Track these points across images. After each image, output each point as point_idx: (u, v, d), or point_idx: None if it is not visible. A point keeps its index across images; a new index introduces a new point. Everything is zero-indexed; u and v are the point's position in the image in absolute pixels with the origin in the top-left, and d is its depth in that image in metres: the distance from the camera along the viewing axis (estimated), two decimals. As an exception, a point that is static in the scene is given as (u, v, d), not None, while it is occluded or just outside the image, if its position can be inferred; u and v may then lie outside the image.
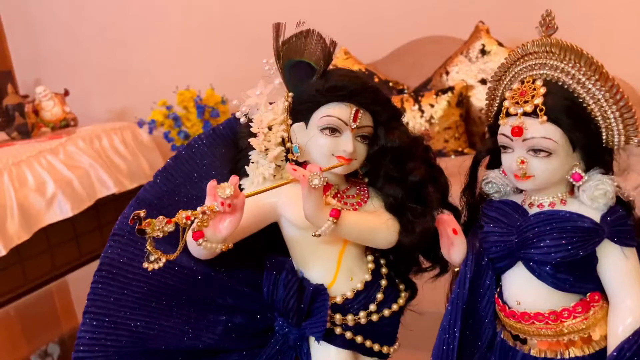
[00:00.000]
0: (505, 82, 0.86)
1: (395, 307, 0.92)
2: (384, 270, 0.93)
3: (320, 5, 3.00)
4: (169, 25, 3.43)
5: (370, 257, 0.93)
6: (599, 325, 0.79)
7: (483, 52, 2.53)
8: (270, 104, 0.92)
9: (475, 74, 2.52)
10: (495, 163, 0.88)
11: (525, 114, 0.77)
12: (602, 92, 0.75)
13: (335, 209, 0.80)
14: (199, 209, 0.76)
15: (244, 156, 0.92)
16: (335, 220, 0.80)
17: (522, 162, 0.77)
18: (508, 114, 0.79)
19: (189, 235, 0.78)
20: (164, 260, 0.76)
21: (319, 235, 0.81)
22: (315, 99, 0.86)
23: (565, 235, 0.76)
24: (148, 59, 3.51)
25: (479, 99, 2.48)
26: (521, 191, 0.87)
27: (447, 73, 2.57)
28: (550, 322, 0.79)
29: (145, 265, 0.76)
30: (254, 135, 0.89)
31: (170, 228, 0.74)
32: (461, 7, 2.81)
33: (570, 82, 0.77)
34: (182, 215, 0.75)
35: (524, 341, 0.83)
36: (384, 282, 0.92)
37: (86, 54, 3.66)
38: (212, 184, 0.76)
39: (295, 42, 0.87)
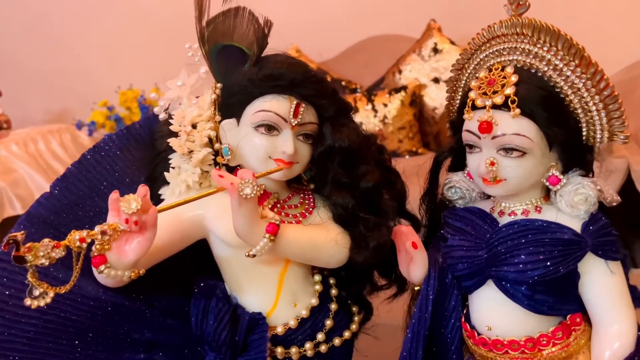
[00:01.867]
0: (469, 71, 0.74)
1: (347, 334, 0.79)
2: (333, 291, 0.80)
3: (270, 2, 2.87)
4: (110, 19, 3.21)
5: (317, 277, 0.79)
6: (582, 352, 0.68)
7: (435, 50, 2.49)
8: (196, 97, 0.77)
9: (428, 72, 2.47)
10: (459, 164, 0.77)
11: (494, 106, 0.65)
12: (583, 80, 0.63)
13: (272, 224, 0.66)
14: (97, 228, 0.60)
15: (162, 160, 0.76)
16: (272, 237, 0.66)
17: (492, 163, 0.65)
18: (474, 107, 0.67)
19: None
20: (51, 294, 0.60)
21: (253, 255, 0.67)
22: (247, 91, 0.72)
23: (543, 249, 0.64)
24: (87, 56, 3.28)
25: (432, 98, 2.44)
26: (489, 197, 0.76)
27: (400, 72, 2.52)
28: (526, 350, 0.67)
29: (28, 302, 0.60)
30: (175, 134, 0.74)
31: (59, 254, 0.58)
32: (412, 5, 2.77)
33: (546, 68, 0.65)
34: (74, 237, 0.59)
35: (496, 372, 0.71)
36: (333, 306, 0.78)
37: (19, 52, 3.40)
38: (113, 196, 0.61)
39: (222, 23, 0.73)
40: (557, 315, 0.68)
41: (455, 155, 0.76)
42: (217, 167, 0.73)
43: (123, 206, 0.60)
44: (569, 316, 0.68)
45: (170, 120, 0.75)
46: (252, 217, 0.65)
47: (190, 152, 0.74)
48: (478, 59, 0.72)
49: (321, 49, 2.81)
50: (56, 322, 0.71)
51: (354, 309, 0.83)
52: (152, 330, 0.77)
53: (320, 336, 0.76)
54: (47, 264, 0.58)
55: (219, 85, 0.74)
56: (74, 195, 0.76)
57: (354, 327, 0.80)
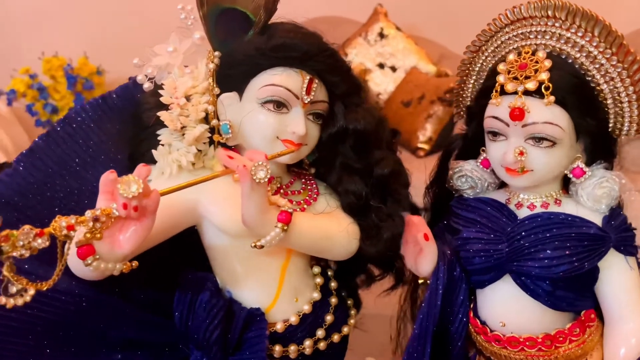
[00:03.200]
0: (487, 54, 0.70)
1: (346, 329, 0.74)
2: (333, 284, 0.74)
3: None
4: (35, -21, 2.94)
5: (316, 269, 0.73)
6: (596, 349, 0.67)
7: (381, 35, 2.47)
8: (185, 66, 0.68)
9: (373, 57, 2.44)
10: (469, 152, 0.73)
11: (525, 92, 0.61)
12: (619, 70, 0.61)
13: (285, 212, 0.59)
14: (88, 213, 0.51)
15: (149, 136, 0.67)
16: (285, 227, 0.59)
17: (522, 153, 0.62)
18: (503, 92, 0.63)
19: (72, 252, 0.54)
20: (32, 292, 0.50)
21: (261, 246, 0.60)
22: (253, 61, 0.64)
23: (569, 244, 0.62)
24: (8, 18, 2.99)
25: (376, 83, 2.41)
26: (501, 187, 0.73)
27: (346, 55, 2.48)
28: (544, 348, 0.65)
29: (3, 300, 0.50)
30: (164, 107, 0.65)
31: (42, 243, 0.49)
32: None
33: (578, 55, 0.62)
34: (60, 224, 0.50)
35: (507, 370, 0.68)
36: (334, 300, 0.73)
37: None
38: (109, 176, 0.52)
39: (226, -18, 0.64)
40: (573, 311, 0.67)
41: (466, 142, 0.72)
42: (220, 148, 0.65)
43: (122, 188, 0.50)
44: (583, 312, 0.67)
45: (160, 91, 0.66)
46: (264, 204, 0.58)
47: (183, 127, 0.65)
48: (499, 42, 0.68)
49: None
50: (22, 320, 0.61)
51: (348, 302, 0.78)
52: (131, 327, 0.69)
53: (320, 332, 0.71)
54: (26, 255, 0.48)
55: (217, 53, 0.66)
56: (41, 173, 0.65)
57: (352, 321, 0.75)
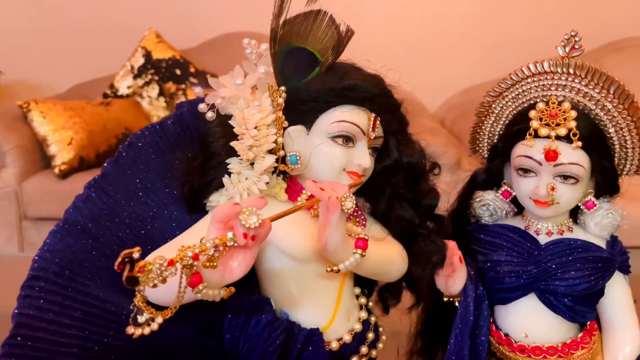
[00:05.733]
0: (507, 99, 0.80)
1: (380, 345, 0.80)
2: (371, 304, 0.80)
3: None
4: None
5: (357, 290, 0.79)
6: (599, 354, 0.79)
7: None
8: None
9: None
10: (490, 184, 0.83)
11: (556, 137, 0.72)
12: (628, 122, 0.74)
13: (362, 239, 0.65)
14: (208, 242, 0.53)
15: (217, 164, 0.69)
16: (364, 253, 0.64)
17: (553, 188, 0.72)
18: (536, 136, 0.73)
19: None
20: (160, 320, 0.52)
21: (338, 271, 0.64)
22: (326, 99, 0.68)
23: (588, 266, 0.74)
24: None
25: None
26: (515, 215, 0.83)
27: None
28: (562, 355, 0.76)
29: (132, 330, 0.50)
30: (232, 137, 0.68)
31: (171, 273, 0.50)
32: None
33: (594, 107, 0.74)
34: (187, 254, 0.51)
35: (528, 377, 0.78)
36: (373, 319, 0.79)
37: None
38: (235, 208, 0.54)
39: (299, 24, 0.69)
40: (583, 322, 0.78)
41: (489, 176, 0.82)
42: (309, 180, 0.67)
43: (243, 219, 0.53)
44: (589, 323, 0.79)
45: (231, 122, 0.68)
46: (345, 232, 0.63)
47: (254, 157, 0.68)
48: (520, 90, 0.78)
49: (182, 37, 2.71)
50: (98, 350, 0.60)
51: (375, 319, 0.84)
52: (187, 351, 0.70)
53: (364, 349, 0.76)
54: (159, 285, 0.49)
55: (282, 88, 0.70)
56: (111, 199, 0.65)
57: (383, 337, 0.81)
